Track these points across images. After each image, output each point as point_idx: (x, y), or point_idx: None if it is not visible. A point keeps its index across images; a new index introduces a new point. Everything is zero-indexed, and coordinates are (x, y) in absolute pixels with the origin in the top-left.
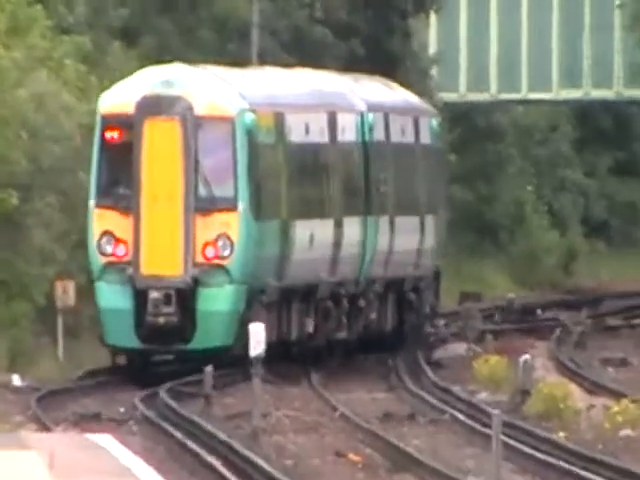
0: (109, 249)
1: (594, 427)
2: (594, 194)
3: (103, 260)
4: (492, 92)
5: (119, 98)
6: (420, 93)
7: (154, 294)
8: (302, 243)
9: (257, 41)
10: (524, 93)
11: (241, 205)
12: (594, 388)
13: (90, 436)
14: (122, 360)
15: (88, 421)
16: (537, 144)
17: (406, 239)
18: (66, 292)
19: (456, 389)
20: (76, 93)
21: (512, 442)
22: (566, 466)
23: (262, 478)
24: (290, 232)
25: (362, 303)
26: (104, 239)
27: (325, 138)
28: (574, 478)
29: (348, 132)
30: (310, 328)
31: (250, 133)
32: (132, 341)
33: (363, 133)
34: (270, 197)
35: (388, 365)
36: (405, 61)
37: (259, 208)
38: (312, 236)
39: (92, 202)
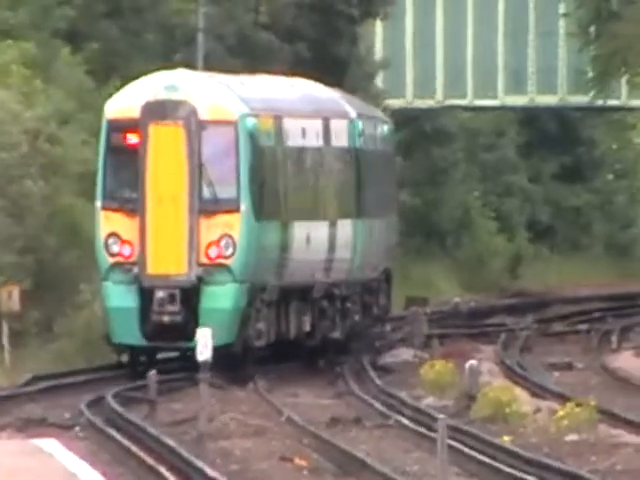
0: (115, 250)
1: (540, 431)
2: (539, 199)
3: (110, 260)
4: (438, 98)
5: (124, 103)
6: (366, 98)
7: (160, 293)
8: (299, 244)
9: (203, 45)
10: (470, 99)
11: (243, 206)
12: (540, 392)
13: (35, 441)
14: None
15: (33, 426)
16: (483, 149)
17: (376, 242)
18: (11, 297)
19: (402, 394)
20: (20, 98)
21: (458, 446)
22: (512, 470)
23: None
24: (288, 233)
25: (349, 304)
26: (110, 240)
27: (320, 142)
28: None
29: (341, 138)
30: (308, 327)
31: (252, 136)
32: (137, 339)
33: (354, 139)
34: (270, 199)
35: (335, 370)
36: (351, 66)
37: (260, 209)
38: (308, 237)
39: (98, 204)
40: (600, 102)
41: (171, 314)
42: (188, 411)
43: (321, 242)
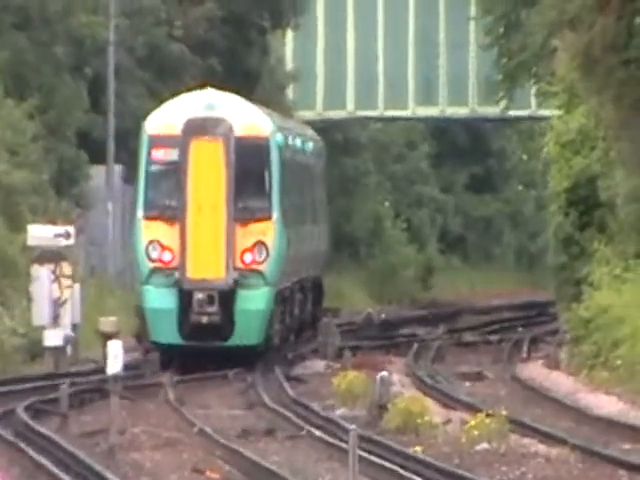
0: (156, 255)
1: (451, 441)
2: (451, 210)
3: (150, 265)
4: (349, 109)
5: (165, 120)
6: (277, 110)
7: (199, 295)
8: (302, 244)
9: (113, 57)
10: (381, 110)
11: (275, 215)
12: (451, 402)
13: None
14: (153, 357)
15: None
16: (394, 160)
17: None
18: None
19: (314, 405)
20: None
21: (369, 456)
22: None
23: None
24: (299, 235)
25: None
26: (151, 247)
27: (308, 158)
28: None
29: (315, 154)
30: (308, 317)
31: (280, 151)
32: (176, 338)
33: (318, 156)
34: (291, 206)
35: (246, 381)
36: (262, 77)
37: (287, 216)
38: (306, 238)
39: (140, 213)
40: (510, 113)
41: (209, 315)
42: (99, 423)
43: (311, 242)
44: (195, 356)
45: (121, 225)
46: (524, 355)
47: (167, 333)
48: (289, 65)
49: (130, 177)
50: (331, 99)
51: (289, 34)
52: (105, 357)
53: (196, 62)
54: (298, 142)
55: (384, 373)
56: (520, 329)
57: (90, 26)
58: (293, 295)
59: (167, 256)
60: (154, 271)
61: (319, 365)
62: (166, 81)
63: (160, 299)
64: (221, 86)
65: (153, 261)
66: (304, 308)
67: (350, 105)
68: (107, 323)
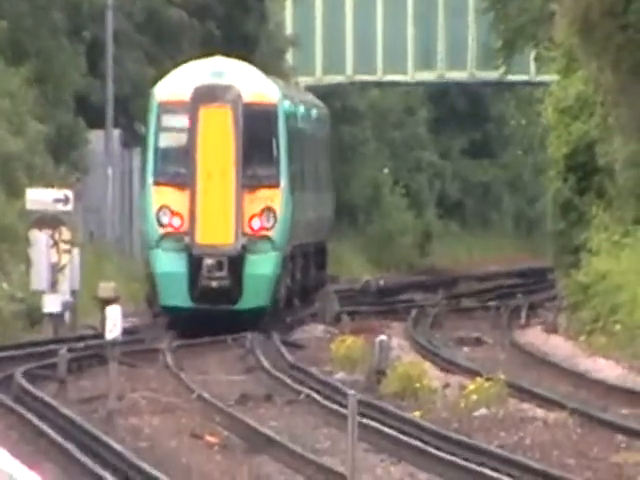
0: (166, 221)
1: (449, 406)
2: (449, 175)
3: (160, 231)
4: (348, 74)
5: (174, 87)
6: (276, 75)
7: (208, 260)
8: (307, 210)
9: (112, 22)
10: (379, 75)
11: (283, 182)
12: (449, 367)
13: None
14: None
15: None
16: (393, 127)
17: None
18: None
19: (313, 370)
20: None
21: (368, 422)
22: (421, 445)
23: (116, 460)
24: (305, 202)
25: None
26: (161, 212)
27: (313, 126)
28: (428, 456)
29: (320, 122)
30: (312, 282)
31: (287, 118)
32: (186, 301)
33: (323, 123)
34: (298, 173)
35: (245, 346)
36: (261, 43)
37: (294, 183)
38: (311, 205)
39: (150, 180)
40: (509, 78)
41: (218, 279)
42: (98, 389)
43: (317, 208)
44: (204, 319)
45: (120, 191)
46: (523, 321)
47: (177, 297)
48: (288, 30)
49: (129, 142)
50: (330, 64)
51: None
52: (104, 322)
53: (194, 27)
54: (303, 110)
55: (383, 337)
56: (519, 295)
57: None
58: (298, 260)
59: (177, 221)
60: (164, 236)
61: (318, 330)
62: (164, 46)
63: (170, 263)
64: (219, 51)
65: (163, 226)
66: (308, 273)
67: (349, 70)
68: (106, 289)
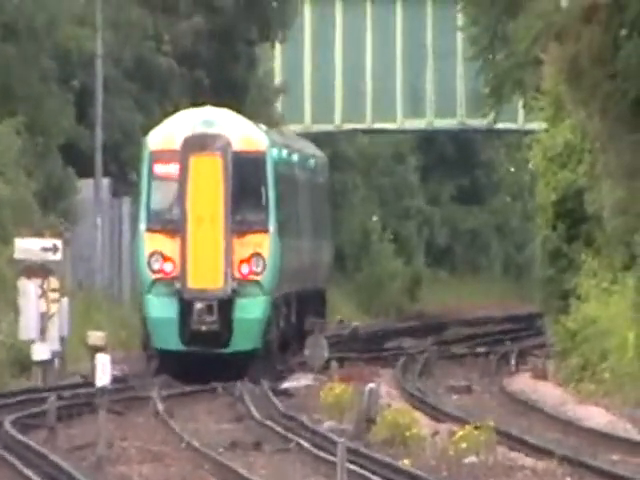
0: (157, 266)
1: (439, 453)
2: (438, 221)
3: (152, 276)
4: (337, 122)
5: (166, 136)
6: (265, 124)
7: (199, 304)
8: (301, 256)
9: (102, 70)
10: (369, 123)
11: (272, 227)
12: (439, 415)
13: None
14: (155, 363)
15: None
16: (382, 174)
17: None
18: None
19: (302, 418)
20: None
21: (357, 469)
22: None
23: None
24: (297, 248)
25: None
26: (153, 258)
27: (307, 173)
28: None
29: (317, 170)
30: (310, 327)
31: (276, 165)
32: (177, 344)
33: (320, 171)
34: (289, 219)
35: (235, 394)
36: (250, 91)
37: (284, 229)
38: (305, 251)
39: (142, 226)
40: (498, 126)
41: (209, 323)
42: (87, 437)
43: (309, 254)
44: (196, 361)
45: (109, 239)
46: (512, 368)
47: (169, 340)
48: (277, 78)
49: (119, 190)
50: (319, 112)
51: (277, 47)
52: (93, 370)
53: (183, 75)
54: (296, 157)
55: (372, 385)
56: (508, 342)
57: (77, 38)
58: (292, 305)
59: (168, 267)
60: (156, 281)
61: (307, 377)
62: (153, 93)
63: (162, 308)
64: (208, 98)
65: (155, 272)
66: (304, 319)
67: (338, 118)
68: (95, 337)
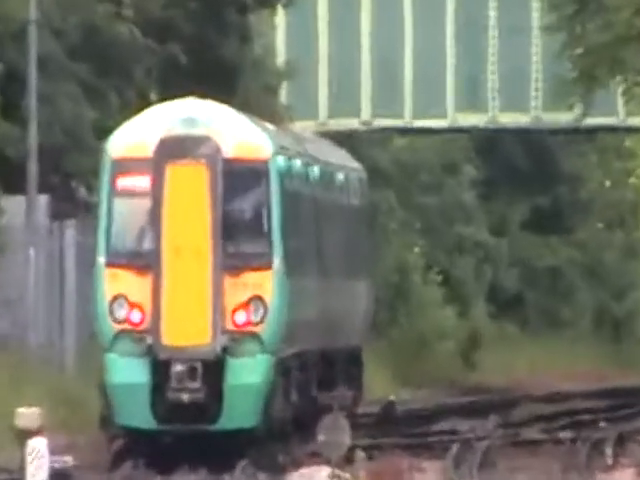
0: (122, 314)
1: None
2: (504, 258)
3: (115, 328)
4: (364, 119)
5: (133, 139)
6: (267, 118)
7: (178, 367)
8: (323, 302)
9: (36, 43)
10: (408, 119)
11: (276, 262)
12: None
13: None
14: (118, 445)
15: None
16: (426, 191)
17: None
18: None
19: None
20: None
21: None
22: None
23: None
24: (317, 291)
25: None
26: (116, 303)
27: (334, 190)
28: None
29: (349, 186)
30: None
31: (284, 178)
32: (148, 421)
33: (354, 189)
34: (303, 252)
35: None
36: (243, 74)
37: (295, 265)
38: (331, 295)
39: (101, 260)
40: (588, 122)
41: (191, 391)
42: None
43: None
44: (172, 445)
45: (47, 278)
46: (609, 460)
47: (137, 415)
48: (281, 57)
49: (61, 211)
50: (339, 104)
51: (281, 14)
52: (23, 463)
53: (152, 50)
54: (316, 169)
55: None
56: (602, 424)
57: (5, 2)
58: (307, 368)
59: (136, 316)
60: (120, 335)
61: (320, 474)
62: (110, 77)
63: (128, 371)
64: (186, 85)
65: (119, 322)
66: (331, 387)
67: (365, 112)
68: (26, 416)
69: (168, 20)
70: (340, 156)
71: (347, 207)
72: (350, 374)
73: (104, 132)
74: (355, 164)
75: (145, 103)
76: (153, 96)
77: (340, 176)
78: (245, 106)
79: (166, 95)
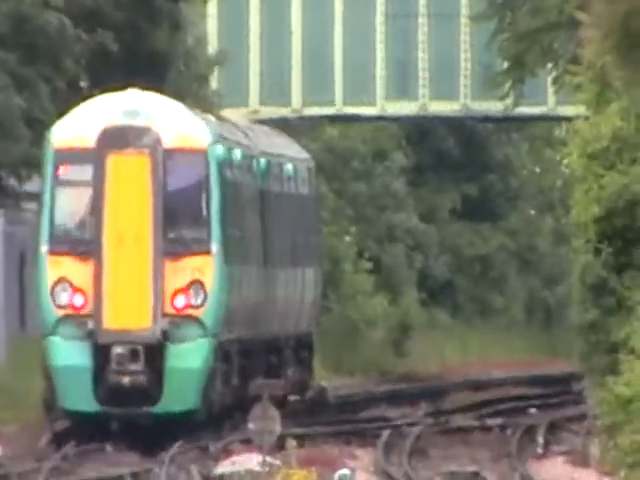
0: (65, 299)
1: None
2: (434, 245)
3: (58, 312)
4: (294, 106)
5: (76, 130)
6: (198, 108)
7: (118, 349)
8: (267, 288)
9: None
10: (338, 107)
11: (215, 247)
12: None
13: None
14: (59, 426)
15: None
16: (357, 178)
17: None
18: None
19: None
20: None
21: None
22: None
23: None
24: (259, 277)
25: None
26: (58, 288)
27: (277, 179)
28: None
29: (294, 175)
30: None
31: (223, 166)
32: (90, 404)
33: (301, 178)
34: (244, 239)
35: None
36: (174, 62)
37: (234, 250)
38: (277, 282)
39: (44, 248)
40: (519, 111)
41: (132, 374)
42: None
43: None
44: (113, 427)
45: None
46: (539, 449)
47: (79, 397)
48: (212, 46)
49: None
50: (269, 92)
51: (212, 3)
52: None
53: (81, 39)
54: (257, 157)
55: (345, 471)
56: (533, 411)
57: None
58: (251, 353)
59: (79, 300)
60: (63, 319)
61: (252, 460)
62: (39, 66)
63: (70, 355)
64: (116, 74)
65: (61, 307)
66: (282, 373)
67: (296, 101)
68: None
69: (98, 8)
70: (286, 145)
71: (293, 196)
72: (299, 359)
73: (33, 121)
74: (303, 153)
75: (75, 92)
76: (83, 85)
77: (285, 165)
78: (176, 94)
79: (97, 84)
